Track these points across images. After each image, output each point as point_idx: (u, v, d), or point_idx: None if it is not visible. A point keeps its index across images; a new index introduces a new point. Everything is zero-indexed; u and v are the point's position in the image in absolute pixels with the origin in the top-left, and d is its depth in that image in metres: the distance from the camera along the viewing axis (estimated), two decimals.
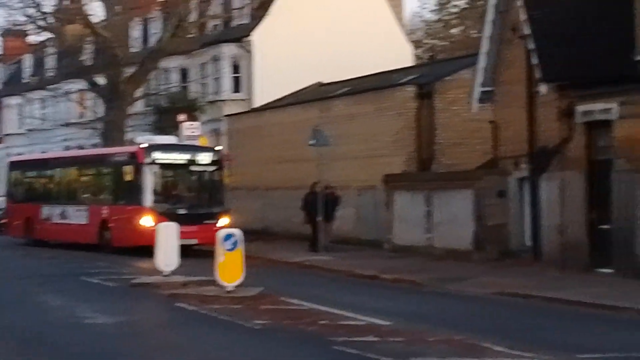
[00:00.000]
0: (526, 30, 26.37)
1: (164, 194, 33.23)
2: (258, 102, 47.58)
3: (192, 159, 33.51)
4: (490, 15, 29.00)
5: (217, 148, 34.87)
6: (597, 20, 26.09)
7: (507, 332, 16.11)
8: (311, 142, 32.98)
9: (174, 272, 23.24)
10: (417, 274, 25.17)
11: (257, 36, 48.57)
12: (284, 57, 47.37)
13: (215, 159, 33.88)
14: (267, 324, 16.52)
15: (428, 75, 35.24)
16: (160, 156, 32.94)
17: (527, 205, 27.70)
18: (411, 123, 34.34)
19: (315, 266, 28.74)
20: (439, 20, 62.62)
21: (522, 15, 26.53)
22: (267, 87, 47.10)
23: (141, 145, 33.32)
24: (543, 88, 25.90)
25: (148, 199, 32.53)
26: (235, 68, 49.05)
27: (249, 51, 48.51)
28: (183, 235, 30.53)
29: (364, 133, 36.05)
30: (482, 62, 29.54)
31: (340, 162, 36.00)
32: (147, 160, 32.65)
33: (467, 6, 59.82)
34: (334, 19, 48.25)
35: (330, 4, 48.46)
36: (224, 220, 32.38)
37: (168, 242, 23.37)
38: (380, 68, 42.49)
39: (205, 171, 33.84)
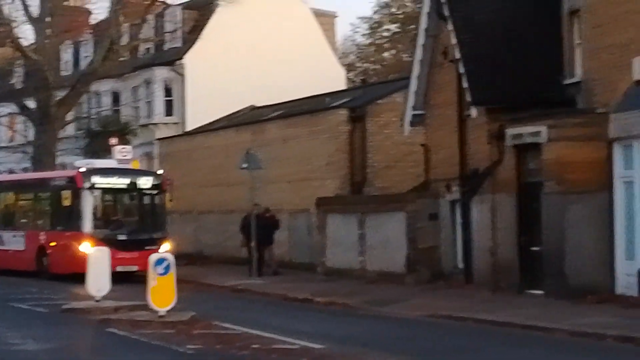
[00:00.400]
0: (456, 54, 26.62)
1: (104, 220, 32.62)
2: (190, 125, 47.44)
3: (133, 183, 32.86)
4: (421, 39, 29.25)
5: (158, 172, 34.21)
6: (527, 44, 26.43)
7: (440, 354, 16.17)
8: (243, 165, 32.93)
9: (106, 297, 23.02)
10: (351, 297, 25.20)
11: (190, 59, 48.47)
12: (217, 80, 47.31)
13: (156, 183, 33.20)
14: (200, 348, 16.42)
15: (360, 99, 35.42)
16: (99, 180, 32.29)
17: (459, 228, 27.90)
18: (344, 146, 34.46)
19: (248, 290, 28.66)
20: (371, 44, 63.00)
21: (453, 39, 26.79)
22: (199, 110, 46.98)
23: (80, 169, 32.69)
24: (473, 111, 26.16)
25: (87, 224, 31.87)
26: (168, 91, 48.87)
27: (181, 74, 48.39)
28: (123, 262, 30.27)
29: (297, 156, 36.09)
30: (413, 85, 29.76)
31: (274, 185, 36.00)
32: (86, 184, 32.01)
33: (398, 30, 60.27)
34: (266, 42, 48.31)
35: (262, 27, 48.52)
36: (165, 246, 31.65)
37: (99, 267, 23.15)
38: (313, 91, 42.61)
39: (146, 196, 33.31)
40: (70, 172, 34.02)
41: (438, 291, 26.13)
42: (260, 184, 33.60)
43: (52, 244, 33.13)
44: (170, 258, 20.64)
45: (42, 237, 33.83)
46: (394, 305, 23.45)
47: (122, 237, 31.76)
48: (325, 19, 53.25)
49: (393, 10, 61.21)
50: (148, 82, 49.30)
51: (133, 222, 33.25)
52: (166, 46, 50.50)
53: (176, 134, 46.93)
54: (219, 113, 46.53)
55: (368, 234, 30.99)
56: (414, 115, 30.05)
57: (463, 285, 26.69)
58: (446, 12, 27.17)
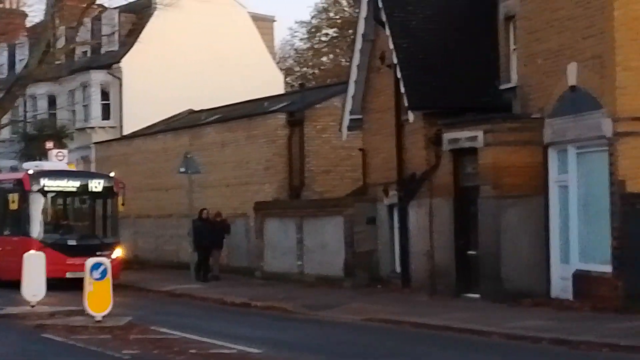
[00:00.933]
0: (394, 58, 26.75)
1: (53, 224, 31.57)
2: (128, 129, 47.14)
3: (84, 186, 31.75)
4: (358, 44, 29.35)
5: (110, 174, 32.75)
6: (464, 50, 26.63)
7: (376, 358, 16.21)
8: (181, 169, 32.78)
9: (42, 303, 22.77)
10: (289, 301, 25.19)
11: (127, 63, 48.18)
12: (154, 84, 47.06)
13: (107, 185, 31.97)
14: (137, 354, 16.31)
15: (299, 103, 35.43)
16: (48, 183, 31.14)
17: (397, 232, 28.01)
18: (282, 150, 34.45)
19: (186, 295, 28.54)
20: (309, 49, 63.07)
21: (390, 44, 26.91)
22: (137, 114, 46.70)
23: (28, 172, 31.59)
24: (410, 116, 26.29)
25: (35, 229, 30.69)
26: (105, 95, 48.53)
27: (118, 78, 48.07)
28: (73, 268, 28.95)
29: (235, 160, 36.01)
30: (351, 90, 29.85)
31: (212, 189, 35.88)
32: (35, 187, 30.82)
33: (336, 35, 60.41)
34: (204, 46, 48.16)
35: (201, 31, 48.35)
36: (117, 252, 30.87)
37: (34, 271, 22.88)
38: (251, 95, 42.55)
39: (97, 199, 32.25)
40: (17, 175, 32.94)
41: (375, 295, 26.21)
42: (198, 188, 33.46)
43: (0, 249, 31.91)
44: (107, 263, 20.49)
45: None
46: (331, 309, 23.48)
47: (72, 242, 30.78)
48: (264, 23, 53.24)
49: (331, 15, 61.36)
50: (85, 86, 48.92)
51: (84, 227, 32.41)
52: (103, 49, 50.15)
53: (113, 137, 46.61)
54: (157, 117, 46.29)
55: (306, 238, 31.01)
56: (352, 120, 30.15)
57: (400, 289, 26.80)
58: (383, 17, 27.28)
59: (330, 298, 25.67)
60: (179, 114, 46.60)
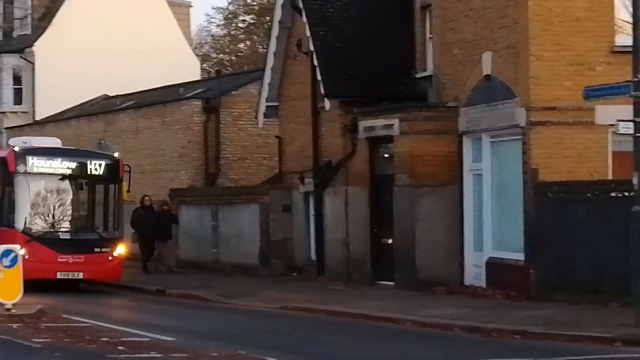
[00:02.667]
0: (310, 46, 26.70)
1: (42, 214, 26.00)
2: (40, 114, 46.44)
3: (81, 168, 26.33)
4: (275, 31, 29.24)
5: (114, 154, 27.65)
6: (380, 38, 26.69)
7: (290, 346, 16.19)
8: None
9: None
10: (204, 290, 25.05)
11: (40, 47, 47.43)
12: (68, 68, 46.39)
13: (110, 168, 26.61)
14: (47, 342, 16.05)
15: (215, 90, 35.20)
16: (37, 163, 25.87)
17: (313, 220, 28.00)
18: (197, 137, 34.21)
19: (100, 283, 28.21)
20: (226, 35, 62.74)
21: (307, 32, 26.86)
22: (50, 100, 45.99)
23: (14, 149, 26.29)
24: (327, 104, 26.28)
25: (20, 219, 25.49)
26: (17, 79, 47.75)
27: (31, 62, 47.32)
28: (65, 267, 25.17)
29: (150, 147, 35.68)
30: (267, 77, 29.73)
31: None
32: (20, 168, 25.70)
33: (253, 21, 60.16)
34: (120, 31, 47.58)
35: (115, 15, 47.76)
36: (120, 249, 26.17)
37: None
38: (167, 81, 42.16)
39: (97, 184, 26.90)
40: (2, 152, 27.34)
41: (291, 283, 26.18)
42: None
43: None
44: (17, 250, 20.09)
45: None
46: (246, 297, 23.40)
47: (64, 236, 25.81)
48: (180, 9, 52.81)
49: (248, 1, 61.07)
50: None
51: (80, 218, 26.71)
52: (15, 33, 49.29)
53: (25, 123, 45.88)
54: (70, 102, 45.65)
55: (222, 226, 30.85)
56: (268, 107, 30.03)
57: (316, 278, 26.81)
58: (300, 5, 27.21)
59: (245, 286, 25.59)
60: (94, 100, 46.04)
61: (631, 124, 17.01)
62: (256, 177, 32.86)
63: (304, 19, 27.00)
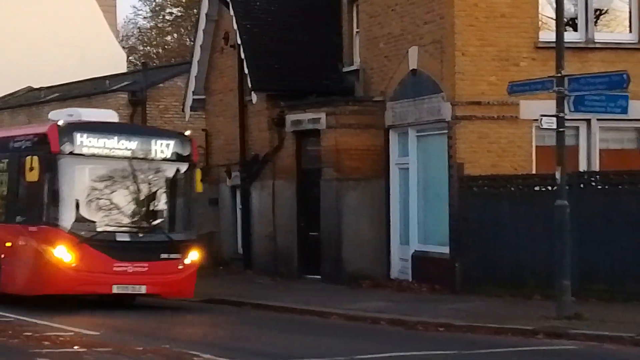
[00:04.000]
0: (237, 39, 26.62)
1: (94, 208, 20.15)
2: None
3: (144, 148, 20.46)
4: (202, 24, 29.11)
5: (186, 133, 21.61)
6: (308, 32, 26.70)
7: (215, 340, 16.14)
8: None
9: None
10: None
11: None
12: None
13: (181, 150, 20.83)
14: None
15: (141, 82, 34.93)
16: (89, 142, 20.02)
17: (239, 214, 27.95)
18: None
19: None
20: (153, 27, 62.33)
21: (234, 25, 26.77)
22: None
23: (58, 123, 20.33)
24: (254, 97, 26.25)
25: (66, 215, 19.76)
26: None
27: None
28: (124, 278, 19.69)
29: None
30: (194, 70, 29.59)
31: None
32: (66, 148, 19.86)
33: (181, 14, 59.84)
34: (44, 22, 47.00)
35: (40, 6, 47.19)
36: (193, 255, 20.44)
37: None
38: (92, 74, 41.74)
39: (165, 171, 20.78)
40: (40, 128, 21.60)
41: (217, 277, 26.09)
42: None
43: (8, 244, 20.65)
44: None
45: None
46: None
47: (123, 238, 19.98)
48: (106, 1, 52.28)
49: None
50: None
51: (143, 214, 20.55)
52: None
53: None
54: None
55: None
56: (195, 100, 29.89)
57: (243, 271, 26.78)
58: None
59: None
60: (17, 92, 45.43)
61: (554, 119, 17.22)
62: None
63: (231, 12, 26.90)
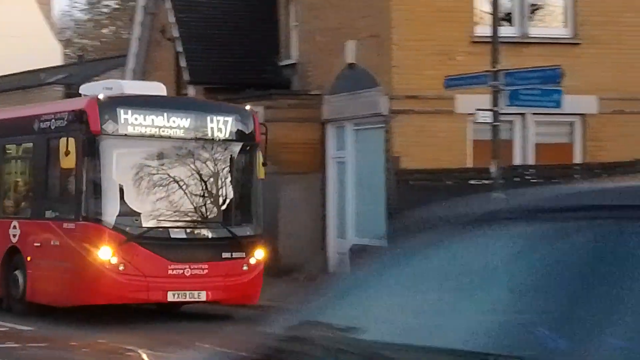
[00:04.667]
0: (175, 32, 26.49)
1: (142, 200, 16.96)
2: None
3: (199, 126, 17.45)
4: (139, 17, 28.94)
5: (246, 107, 18.81)
6: (245, 25, 26.63)
7: (150, 334, 16.06)
8: None
9: None
10: None
11: None
12: None
13: (243, 127, 17.98)
14: None
15: (77, 75, 34.67)
16: (135, 120, 16.89)
17: None
18: None
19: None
20: (89, 20, 61.86)
21: (171, 18, 26.63)
22: None
23: (98, 97, 16.90)
24: (191, 91, 26.14)
25: (109, 209, 16.61)
26: None
27: None
28: (179, 283, 16.72)
29: None
30: (131, 63, 29.41)
31: None
32: (109, 127, 16.67)
33: (118, 7, 59.47)
34: None
35: None
36: (258, 254, 17.81)
37: None
38: (27, 66, 41.35)
39: (223, 153, 17.78)
40: (76, 104, 17.91)
41: None
42: None
43: (35, 245, 17.60)
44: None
45: (15, 231, 18.10)
46: None
47: (178, 235, 17.01)
48: None
49: None
50: None
51: (199, 206, 17.43)
52: None
53: None
54: None
55: None
56: None
57: None
58: None
59: None
60: None
61: (489, 113, 17.36)
62: None
63: (168, 4, 26.76)
